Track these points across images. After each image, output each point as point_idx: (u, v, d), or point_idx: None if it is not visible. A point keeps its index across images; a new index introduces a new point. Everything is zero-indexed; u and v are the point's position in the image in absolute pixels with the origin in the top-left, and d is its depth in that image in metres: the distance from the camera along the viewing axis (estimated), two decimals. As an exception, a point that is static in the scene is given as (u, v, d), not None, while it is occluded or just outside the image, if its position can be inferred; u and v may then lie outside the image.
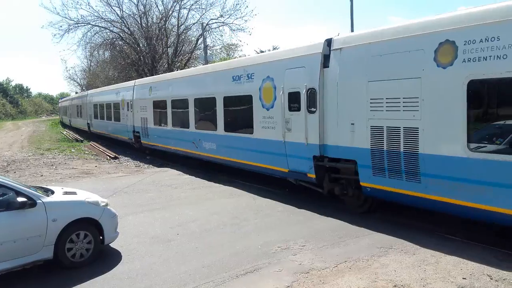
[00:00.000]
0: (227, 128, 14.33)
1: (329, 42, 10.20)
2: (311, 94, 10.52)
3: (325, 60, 10.21)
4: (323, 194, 10.90)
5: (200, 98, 16.15)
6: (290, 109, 11.21)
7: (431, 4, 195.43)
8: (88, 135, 36.82)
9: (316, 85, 10.32)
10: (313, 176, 10.73)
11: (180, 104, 17.81)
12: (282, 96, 11.39)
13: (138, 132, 22.85)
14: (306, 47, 11.08)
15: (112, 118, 28.04)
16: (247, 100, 13.04)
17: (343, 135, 9.74)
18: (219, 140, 14.77)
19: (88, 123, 36.90)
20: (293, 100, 11.11)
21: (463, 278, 6.22)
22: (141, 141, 22.63)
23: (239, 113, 14.10)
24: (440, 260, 6.94)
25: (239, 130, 13.81)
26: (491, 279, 6.19)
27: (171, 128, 18.66)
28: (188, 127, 16.92)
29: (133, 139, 23.92)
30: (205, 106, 15.84)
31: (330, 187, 10.54)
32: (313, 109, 10.50)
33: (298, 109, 10.93)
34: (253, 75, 12.77)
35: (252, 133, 12.88)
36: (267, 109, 12.13)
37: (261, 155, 12.51)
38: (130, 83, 25.53)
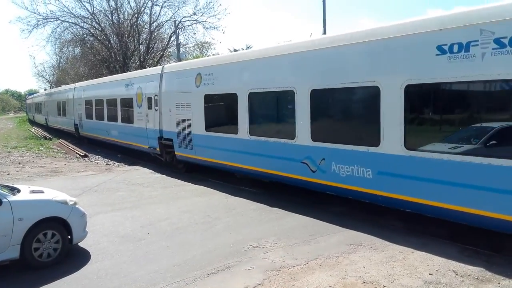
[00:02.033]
0: (415, 142, 8.14)
1: None
2: None
3: None
4: (294, 193, 10.81)
5: (330, 89, 9.76)
6: None
7: (400, 7, 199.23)
8: (76, 139, 30.31)
9: None
10: None
11: (271, 99, 11.91)
12: None
13: (170, 140, 16.21)
14: None
15: (119, 119, 21.30)
16: (492, 90, 7.33)
17: None
18: (387, 163, 8.53)
19: (76, 124, 29.48)
20: None
21: (430, 274, 6.37)
22: (176, 153, 16.05)
23: (457, 116, 7.99)
24: (408, 256, 7.09)
25: (457, 148, 7.58)
26: (457, 274, 6.35)
27: (249, 137, 12.08)
28: (292, 138, 10.65)
29: (159, 149, 17.31)
30: (343, 103, 9.94)
31: None
32: None
33: None
34: None
35: (508, 157, 6.78)
36: None
37: None
38: (154, 70, 19.11)
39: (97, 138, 25.52)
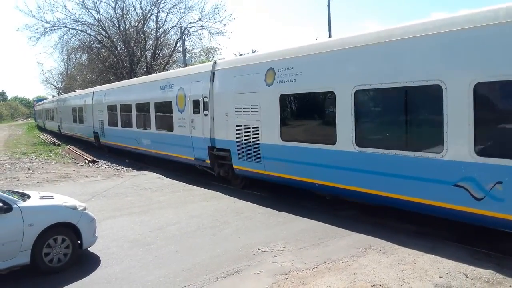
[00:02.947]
0: None
1: None
2: None
3: None
4: (302, 197, 10.78)
5: None
6: None
7: (403, 11, 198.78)
8: (96, 148, 27.56)
9: None
10: None
11: (393, 98, 8.75)
12: None
13: (227, 151, 13.46)
14: None
15: (152, 126, 18.44)
16: None
17: None
18: None
19: (95, 132, 26.65)
20: None
21: (440, 277, 6.33)
22: (234, 166, 13.30)
23: None
24: (418, 259, 7.05)
25: None
26: (467, 277, 6.31)
27: (355, 149, 9.17)
28: (437, 151, 7.73)
29: (210, 161, 14.50)
30: None
31: None
32: None
33: None
34: None
35: None
36: None
37: None
38: (201, 67, 16.12)
39: (123, 148, 22.64)
